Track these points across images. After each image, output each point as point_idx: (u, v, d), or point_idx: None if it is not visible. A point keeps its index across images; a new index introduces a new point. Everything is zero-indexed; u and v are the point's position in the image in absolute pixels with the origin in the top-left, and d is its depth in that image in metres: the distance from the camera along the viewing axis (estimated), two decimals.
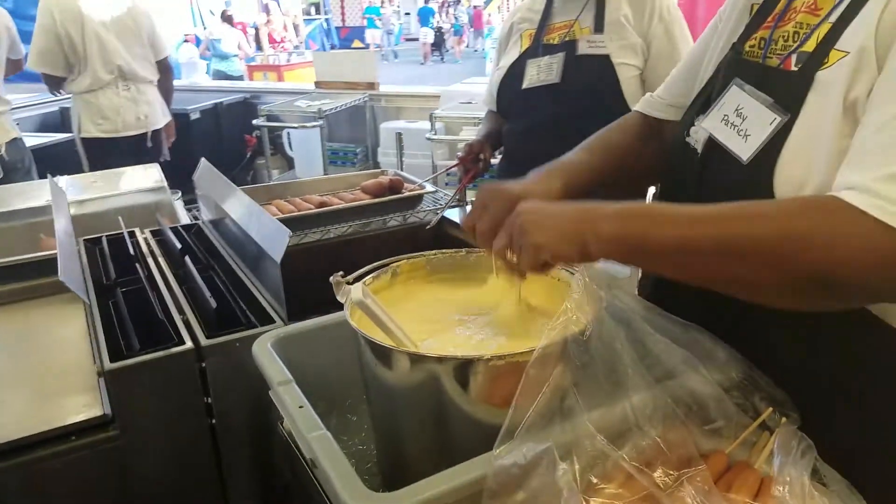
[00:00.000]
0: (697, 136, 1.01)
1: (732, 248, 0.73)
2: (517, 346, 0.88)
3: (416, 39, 25.72)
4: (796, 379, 0.91)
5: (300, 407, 0.90)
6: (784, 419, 0.89)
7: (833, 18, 0.85)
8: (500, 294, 1.02)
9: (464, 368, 0.82)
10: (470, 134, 3.85)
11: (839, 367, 0.96)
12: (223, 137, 4.64)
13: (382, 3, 27.29)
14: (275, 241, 1.23)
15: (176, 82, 3.98)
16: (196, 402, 1.19)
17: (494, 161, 2.15)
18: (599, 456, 0.78)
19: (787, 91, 0.88)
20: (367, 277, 1.01)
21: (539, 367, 0.80)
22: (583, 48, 1.86)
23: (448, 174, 2.78)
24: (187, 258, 1.40)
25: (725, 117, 0.95)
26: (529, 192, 0.98)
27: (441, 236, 1.99)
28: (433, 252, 1.09)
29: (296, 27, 14.63)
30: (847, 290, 0.70)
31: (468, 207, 2.07)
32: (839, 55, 0.82)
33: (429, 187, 2.15)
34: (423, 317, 1.00)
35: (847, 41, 0.82)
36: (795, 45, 0.90)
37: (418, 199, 2.10)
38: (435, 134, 3.71)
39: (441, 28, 22.24)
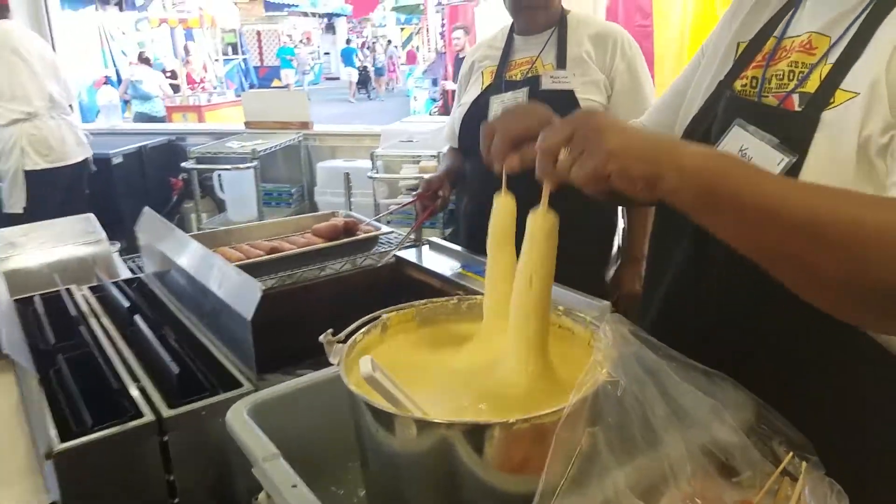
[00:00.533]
0: None
1: (826, 228, 0.64)
2: (522, 407, 0.81)
3: (338, 78, 26.21)
4: (800, 416, 0.88)
5: (293, 486, 0.80)
6: (805, 463, 0.86)
7: (832, 59, 0.85)
8: (496, 345, 0.95)
9: (482, 434, 0.74)
10: (410, 172, 3.81)
11: (843, 402, 0.95)
12: (147, 181, 4.43)
13: (297, 44, 27.41)
14: (243, 296, 1.12)
15: (96, 125, 3.91)
16: (157, 481, 1.05)
17: (453, 198, 2.12)
18: None
19: (793, 131, 0.86)
20: (357, 334, 0.92)
21: (569, 429, 0.73)
22: (546, 83, 1.85)
23: (395, 213, 2.72)
24: (137, 317, 1.27)
25: None
26: None
27: (399, 278, 1.92)
28: (422, 301, 1.01)
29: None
30: None
31: (425, 248, 2.01)
32: (847, 95, 0.82)
33: (384, 228, 2.07)
34: (419, 376, 0.91)
35: (854, 81, 0.81)
36: (794, 84, 0.89)
37: (374, 240, 2.02)
38: (377, 173, 3.64)
39: (366, 67, 22.63)
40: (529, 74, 1.90)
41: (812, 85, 0.86)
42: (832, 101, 0.82)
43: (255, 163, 3.91)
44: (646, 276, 1.16)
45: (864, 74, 0.80)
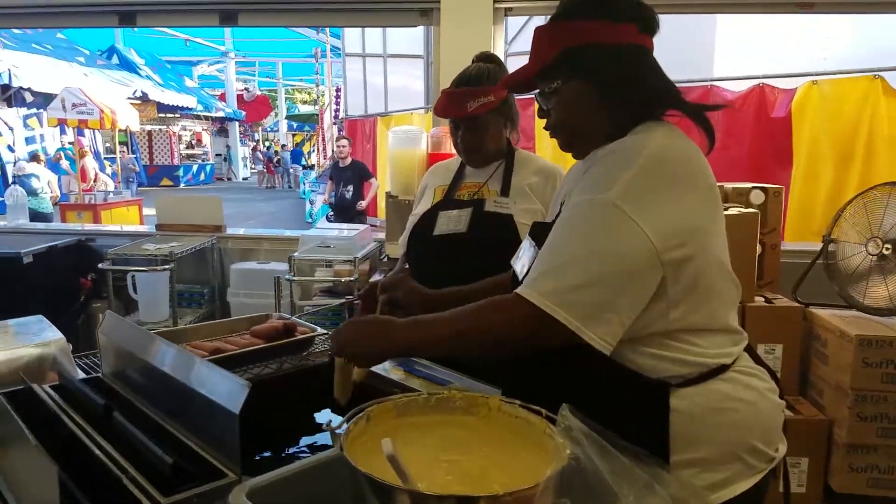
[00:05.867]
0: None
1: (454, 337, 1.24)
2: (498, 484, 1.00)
3: (230, 179, 28.34)
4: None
5: None
6: None
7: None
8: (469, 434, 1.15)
9: None
10: (323, 275, 3.98)
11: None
12: (56, 281, 4.35)
13: (191, 144, 27.60)
14: (229, 393, 1.25)
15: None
16: None
17: None
18: None
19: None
20: (349, 424, 1.09)
21: (544, 498, 0.93)
22: (489, 206, 2.13)
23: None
24: (116, 413, 1.37)
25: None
26: None
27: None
28: (398, 396, 1.20)
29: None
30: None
31: None
32: None
33: (318, 329, 2.23)
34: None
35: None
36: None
37: (310, 340, 2.17)
38: (294, 275, 3.79)
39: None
40: (476, 197, 2.19)
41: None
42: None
43: (172, 265, 3.96)
44: None
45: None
